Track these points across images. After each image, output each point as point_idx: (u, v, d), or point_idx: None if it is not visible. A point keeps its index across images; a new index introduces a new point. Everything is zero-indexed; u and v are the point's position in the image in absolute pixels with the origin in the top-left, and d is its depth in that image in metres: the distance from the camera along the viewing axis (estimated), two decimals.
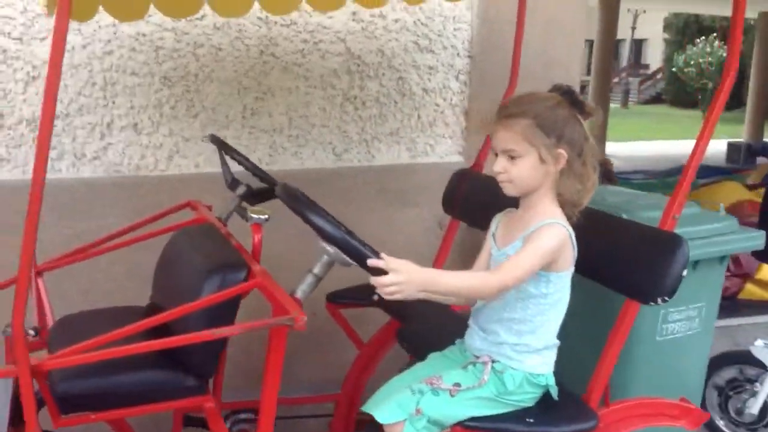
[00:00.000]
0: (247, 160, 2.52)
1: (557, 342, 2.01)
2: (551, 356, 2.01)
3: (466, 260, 2.29)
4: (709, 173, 10.54)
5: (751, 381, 3.38)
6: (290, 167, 3.12)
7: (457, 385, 1.92)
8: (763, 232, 3.03)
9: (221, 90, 2.96)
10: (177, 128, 2.92)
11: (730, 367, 3.46)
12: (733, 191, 7.71)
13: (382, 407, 1.89)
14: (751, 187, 8.59)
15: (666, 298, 1.95)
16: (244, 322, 1.72)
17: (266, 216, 2.19)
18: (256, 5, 2.48)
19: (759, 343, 3.41)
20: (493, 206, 2.41)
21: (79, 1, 1.51)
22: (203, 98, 2.94)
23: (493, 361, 1.96)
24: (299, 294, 1.84)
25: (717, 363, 3.38)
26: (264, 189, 2.54)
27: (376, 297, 2.80)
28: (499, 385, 1.93)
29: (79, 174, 2.76)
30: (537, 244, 1.86)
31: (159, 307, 2.15)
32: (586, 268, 2.04)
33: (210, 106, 2.96)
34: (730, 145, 13.22)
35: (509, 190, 1.96)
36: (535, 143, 1.87)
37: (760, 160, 12.36)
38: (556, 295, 1.95)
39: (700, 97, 24.44)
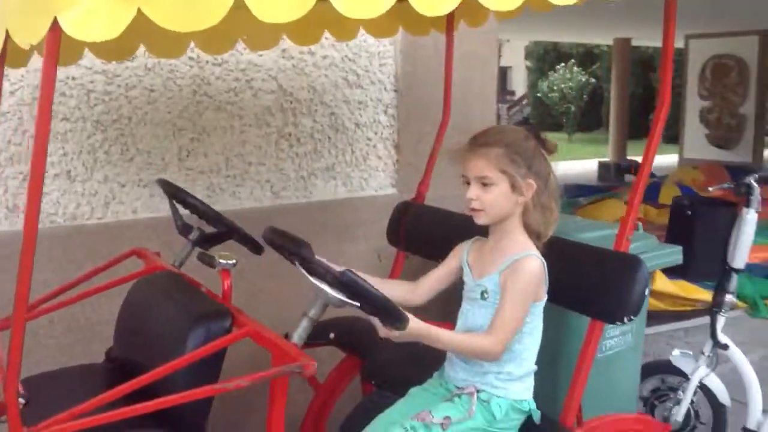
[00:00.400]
0: (202, 203, 2.45)
1: (535, 367, 2.08)
2: (531, 382, 2.07)
3: None
4: (588, 192, 11.22)
5: (674, 389, 3.54)
6: (229, 207, 3.05)
7: (447, 418, 1.94)
8: (679, 248, 3.27)
9: (155, 132, 2.87)
10: (112, 174, 2.79)
11: (653, 378, 3.62)
12: (615, 208, 8.23)
13: None
14: None
15: (632, 317, 2.07)
16: (247, 374, 1.66)
17: (234, 261, 2.15)
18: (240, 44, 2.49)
19: (676, 352, 3.63)
20: (439, 235, 2.47)
21: (66, 44, 1.42)
22: (137, 141, 2.83)
23: (477, 391, 2.00)
24: (296, 339, 1.80)
25: (640, 374, 3.57)
26: (219, 233, 2.48)
27: (332, 335, 2.80)
28: (486, 415, 1.97)
29: (12, 227, 2.58)
30: (518, 289, 1.93)
31: (130, 362, 2.04)
32: (550, 293, 2.13)
33: (145, 149, 2.85)
34: (601, 165, 14.13)
35: (481, 218, 2.01)
36: (507, 171, 1.95)
37: (628, 177, 13.31)
38: (534, 323, 2.03)
39: (564, 120, 25.95)
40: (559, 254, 2.19)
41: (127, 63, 2.75)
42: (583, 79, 25.95)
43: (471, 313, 2.05)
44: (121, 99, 2.78)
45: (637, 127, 19.86)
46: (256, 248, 2.45)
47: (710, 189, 3.67)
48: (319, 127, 3.25)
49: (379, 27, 2.86)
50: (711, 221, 3.50)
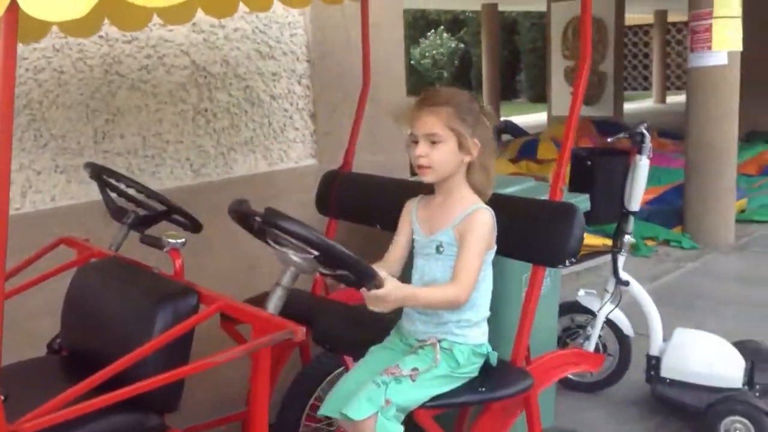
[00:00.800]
0: (136, 182, 2.37)
1: (489, 313, 2.19)
2: (486, 326, 2.19)
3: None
4: None
5: (582, 327, 3.80)
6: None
7: (415, 369, 2.02)
8: (587, 196, 3.49)
9: (68, 115, 2.73)
10: (27, 161, 2.64)
11: (563, 317, 3.86)
12: (502, 166, 8.59)
13: (352, 406, 1.94)
14: (514, 161, 9.62)
15: (573, 260, 2.22)
16: (229, 348, 1.64)
17: (183, 239, 2.12)
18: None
19: (581, 292, 3.89)
20: (372, 200, 2.51)
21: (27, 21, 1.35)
22: (51, 126, 2.69)
23: (439, 341, 2.09)
24: (271, 309, 1.81)
25: None
26: (156, 213, 2.42)
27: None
28: (450, 362, 2.07)
29: None
30: (475, 239, 2.04)
31: (85, 352, 1.97)
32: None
33: (59, 134, 2.71)
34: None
35: (428, 175, 2.09)
36: (456, 129, 2.04)
37: (505, 137, 13.82)
38: (486, 271, 2.14)
39: (438, 85, 26.46)
40: (500, 208, 2.30)
41: (34, 45, 2.59)
42: (453, 45, 26.52)
43: (427, 267, 2.12)
44: (30, 83, 2.62)
45: (506, 89, 20.63)
46: (196, 226, 2.42)
47: (609, 140, 3.91)
48: (235, 101, 3.20)
49: None
50: (609, 170, 3.73)
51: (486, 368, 2.17)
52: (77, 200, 2.74)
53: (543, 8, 15.07)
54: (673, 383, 3.55)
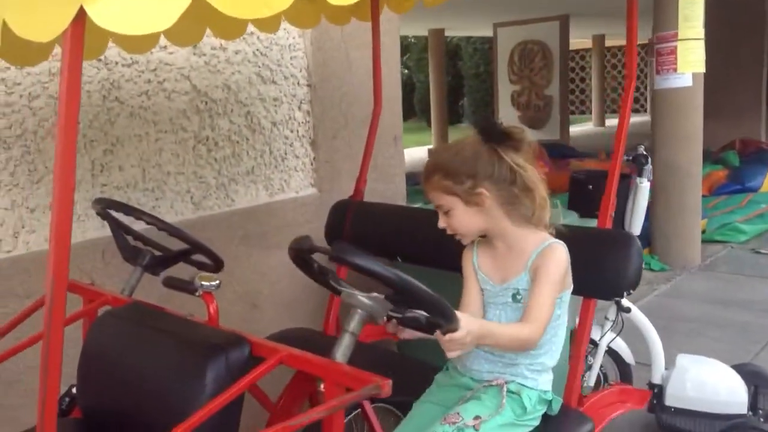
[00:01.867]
0: (157, 218, 2.16)
1: (558, 360, 2.04)
2: (552, 374, 2.04)
3: None
4: None
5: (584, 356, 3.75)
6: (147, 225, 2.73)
7: (478, 417, 1.86)
8: (594, 220, 3.42)
9: None
10: (19, 198, 2.38)
11: None
12: None
13: None
14: None
15: (631, 291, 2.11)
16: (318, 406, 1.44)
17: (218, 281, 1.92)
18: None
19: None
20: (391, 230, 2.36)
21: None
22: (46, 159, 2.44)
23: (506, 383, 1.93)
24: (340, 358, 1.62)
25: None
26: (176, 253, 2.20)
27: None
28: (516, 408, 1.92)
29: None
30: (549, 276, 1.87)
31: (111, 413, 1.74)
32: None
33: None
34: (430, 152, 14.60)
35: (464, 239, 1.98)
36: (453, 192, 1.89)
37: None
38: (562, 314, 1.99)
39: None
40: None
41: (29, 69, 2.35)
42: None
43: (504, 317, 1.95)
44: (25, 111, 2.37)
45: (450, 114, 20.77)
46: (218, 265, 2.22)
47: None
48: (236, 129, 3.00)
49: (301, 16, 2.69)
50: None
51: (545, 416, 2.03)
52: (74, 240, 2.48)
53: (488, 33, 15.26)
54: (678, 411, 3.48)
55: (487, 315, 1.99)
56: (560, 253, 1.91)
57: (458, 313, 1.62)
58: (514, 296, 1.93)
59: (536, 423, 1.98)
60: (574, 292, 2.22)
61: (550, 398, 1.99)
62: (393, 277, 1.52)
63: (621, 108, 2.24)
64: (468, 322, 1.64)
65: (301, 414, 1.42)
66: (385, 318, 1.66)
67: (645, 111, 21.69)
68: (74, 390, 1.97)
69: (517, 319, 1.91)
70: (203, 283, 1.87)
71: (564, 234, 1.98)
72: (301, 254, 1.66)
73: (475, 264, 2.02)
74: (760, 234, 7.55)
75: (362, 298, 1.62)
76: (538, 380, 1.95)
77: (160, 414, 1.59)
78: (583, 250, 2.17)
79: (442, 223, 1.93)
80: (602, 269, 2.11)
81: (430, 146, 15.92)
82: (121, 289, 2.16)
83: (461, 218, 1.90)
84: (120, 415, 1.73)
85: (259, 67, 3.07)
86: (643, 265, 7.02)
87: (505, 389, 1.91)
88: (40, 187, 2.44)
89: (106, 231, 2.41)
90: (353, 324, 1.66)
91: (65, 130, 1.10)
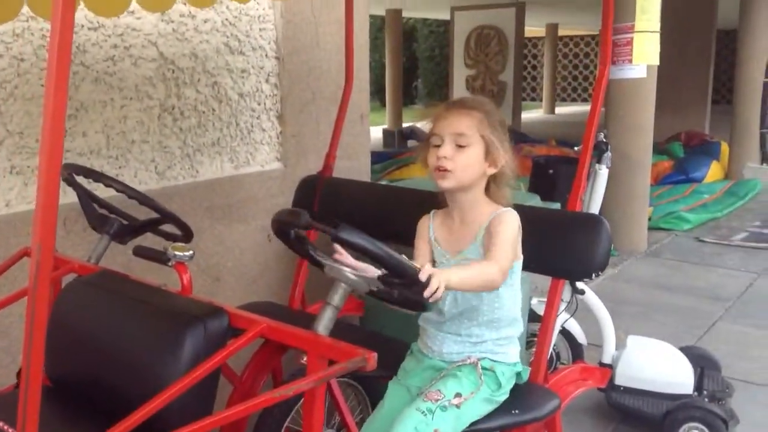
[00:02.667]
0: (128, 186, 2.10)
1: (523, 328, 2.08)
2: (518, 343, 2.08)
3: None
4: (380, 158, 11.55)
5: (536, 335, 3.83)
6: (112, 193, 2.66)
7: (459, 395, 1.88)
8: (557, 203, 3.49)
9: (28, 109, 2.40)
10: None
11: None
12: (419, 171, 8.58)
13: None
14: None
15: (600, 273, 2.16)
16: (294, 382, 1.43)
17: (191, 252, 1.89)
18: None
19: (534, 301, 3.89)
20: (361, 207, 2.37)
21: None
22: (6, 121, 2.35)
23: (479, 359, 1.96)
24: (323, 331, 1.62)
25: None
26: (145, 222, 2.16)
27: None
28: (491, 384, 1.96)
29: None
30: (504, 235, 1.88)
31: (84, 383, 1.70)
32: None
33: (16, 130, 2.38)
34: (385, 132, 14.59)
35: (447, 179, 1.92)
36: (485, 136, 1.91)
37: (411, 142, 13.91)
38: (515, 282, 2.02)
39: None
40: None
41: None
42: None
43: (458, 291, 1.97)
44: None
45: (403, 95, 20.79)
46: (188, 236, 2.19)
47: (575, 149, 3.94)
48: (202, 98, 2.95)
49: None
50: (569, 178, 3.78)
51: (514, 388, 2.07)
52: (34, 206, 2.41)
53: (446, 16, 15.26)
54: (627, 390, 3.59)
55: None
56: (511, 218, 1.93)
57: (425, 268, 1.60)
58: None
59: (506, 396, 2.01)
60: (542, 272, 2.27)
61: (520, 369, 2.04)
62: (396, 264, 1.52)
63: (593, 94, 2.27)
64: (433, 270, 1.61)
65: (285, 385, 1.42)
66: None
67: None
68: None
69: (475, 294, 1.94)
70: (177, 253, 1.84)
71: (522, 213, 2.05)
72: (288, 228, 1.64)
73: (432, 237, 2.03)
74: (703, 223, 7.80)
75: (349, 273, 1.62)
76: (508, 353, 2.00)
77: (135, 384, 1.57)
78: (553, 233, 2.21)
79: (446, 152, 1.88)
80: (573, 251, 2.15)
81: (385, 126, 15.93)
82: (87, 257, 2.11)
83: (472, 160, 1.90)
84: (91, 385, 1.70)
85: (228, 37, 3.01)
86: None
87: (479, 367, 1.94)
88: (0, 151, 2.35)
89: (68, 198, 2.36)
90: (336, 297, 1.66)
91: (54, 94, 1.06)
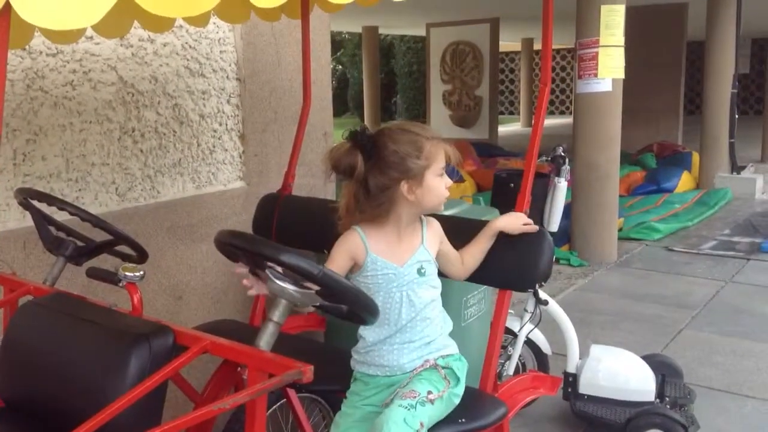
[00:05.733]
0: (81, 209, 2.15)
1: None
2: None
3: None
4: None
5: (504, 347, 3.89)
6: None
7: (430, 392, 1.95)
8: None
9: None
10: None
11: None
12: None
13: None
14: None
15: (543, 283, 2.23)
16: (237, 393, 1.50)
17: (142, 272, 1.94)
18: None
19: None
20: (318, 226, 2.44)
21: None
22: None
23: (435, 360, 2.04)
24: (264, 346, 1.67)
25: None
26: (100, 243, 2.21)
27: None
28: (452, 380, 2.03)
29: None
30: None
31: (36, 403, 1.74)
32: None
33: None
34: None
35: (440, 206, 2.11)
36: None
37: None
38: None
39: None
40: (460, 232, 2.28)
41: None
42: (331, 66, 26.61)
43: (414, 295, 2.03)
44: None
45: (382, 111, 20.94)
46: (142, 257, 2.24)
47: (540, 160, 4.02)
48: (163, 120, 3.00)
49: (230, 12, 2.71)
50: (531, 191, 3.86)
51: (462, 401, 2.12)
52: None
53: (422, 33, 15.42)
54: (591, 399, 3.66)
55: (396, 300, 2.02)
56: (436, 222, 2.18)
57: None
58: (419, 270, 2.04)
59: (457, 400, 2.06)
60: (487, 283, 2.34)
61: (465, 362, 2.12)
62: (320, 276, 1.58)
63: (536, 111, 2.35)
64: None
65: (224, 398, 1.47)
66: (311, 308, 1.73)
67: (570, 113, 22.34)
68: None
69: (428, 295, 2.05)
70: (127, 273, 1.89)
71: (466, 226, 2.24)
72: (226, 246, 1.70)
73: (369, 250, 2.03)
74: (673, 232, 7.93)
75: (289, 288, 1.67)
76: (451, 345, 2.11)
77: (83, 402, 1.61)
78: (499, 244, 2.28)
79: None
80: (516, 262, 2.22)
81: None
82: (43, 279, 2.16)
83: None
84: (43, 404, 1.74)
85: (188, 60, 3.07)
86: (563, 261, 7.27)
87: (440, 368, 2.01)
88: None
89: (27, 222, 2.40)
90: (277, 313, 1.71)
91: None
